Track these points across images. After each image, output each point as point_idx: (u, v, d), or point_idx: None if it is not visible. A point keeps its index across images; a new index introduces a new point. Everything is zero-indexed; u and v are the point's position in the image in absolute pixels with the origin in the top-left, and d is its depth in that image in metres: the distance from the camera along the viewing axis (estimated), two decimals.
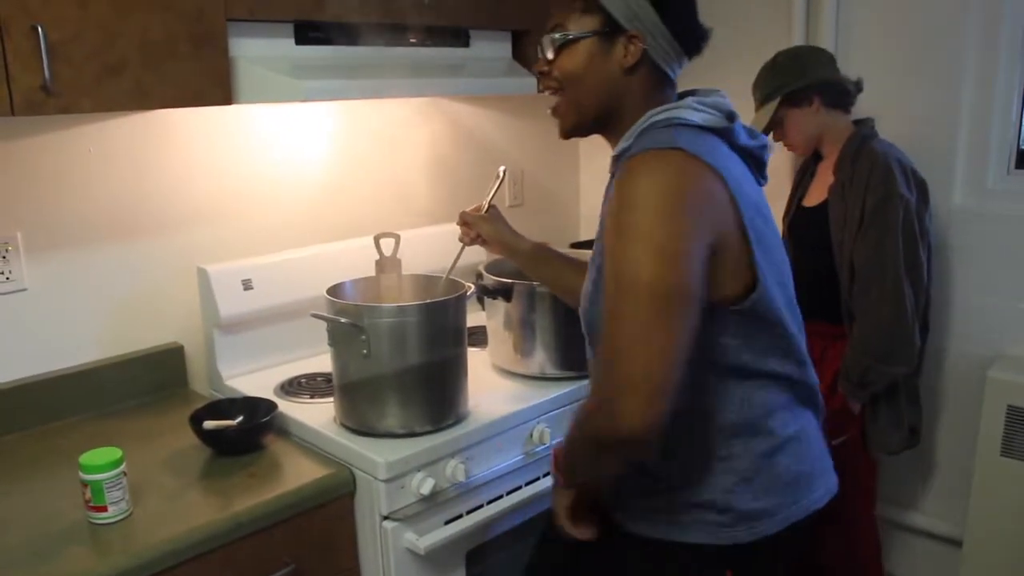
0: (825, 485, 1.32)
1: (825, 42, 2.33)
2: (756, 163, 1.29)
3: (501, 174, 1.80)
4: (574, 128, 1.30)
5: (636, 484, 1.30)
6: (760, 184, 1.29)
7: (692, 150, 1.13)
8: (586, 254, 2.05)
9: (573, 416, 1.21)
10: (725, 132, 1.21)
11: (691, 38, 1.23)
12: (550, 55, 1.26)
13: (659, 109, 1.22)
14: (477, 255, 2.15)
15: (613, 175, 1.26)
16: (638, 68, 1.22)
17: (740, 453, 1.23)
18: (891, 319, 1.95)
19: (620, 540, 1.32)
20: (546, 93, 1.31)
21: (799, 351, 1.27)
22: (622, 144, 1.23)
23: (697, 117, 1.19)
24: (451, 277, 1.78)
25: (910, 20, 2.24)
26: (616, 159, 1.25)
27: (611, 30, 1.21)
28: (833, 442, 1.97)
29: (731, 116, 1.22)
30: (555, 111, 1.31)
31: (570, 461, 1.27)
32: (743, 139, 1.24)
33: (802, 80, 2.03)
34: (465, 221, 1.73)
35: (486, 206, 1.73)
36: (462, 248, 1.75)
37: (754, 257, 1.16)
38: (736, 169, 1.19)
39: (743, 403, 1.22)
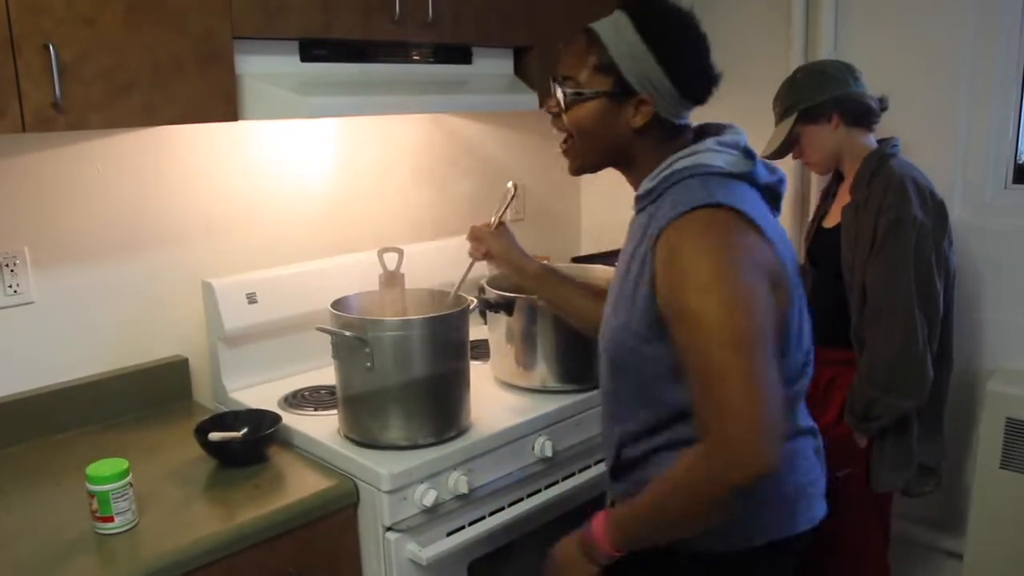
0: (817, 507, 1.33)
1: (823, 57, 2.35)
2: (772, 196, 1.32)
3: (512, 190, 1.79)
4: (581, 170, 1.35)
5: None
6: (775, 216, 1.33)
7: (731, 204, 1.18)
8: (592, 275, 2.07)
9: (665, 479, 1.20)
10: (747, 175, 1.25)
11: (700, 90, 1.26)
12: (561, 102, 1.30)
13: (682, 153, 1.25)
14: (481, 269, 2.17)
15: (638, 211, 1.31)
16: (647, 127, 1.26)
17: None
18: (900, 350, 1.86)
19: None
20: (554, 132, 1.35)
21: (797, 370, 1.29)
22: (647, 184, 1.27)
23: (721, 161, 1.22)
24: (459, 292, 1.79)
25: (908, 35, 2.26)
26: (640, 198, 1.29)
27: (622, 91, 1.24)
28: (836, 475, 1.79)
29: (749, 154, 1.26)
30: (565, 152, 1.35)
31: (650, 524, 1.23)
32: (763, 178, 1.28)
33: (820, 96, 1.98)
34: (476, 236, 1.74)
35: (496, 222, 1.74)
36: (471, 263, 1.76)
37: (789, 296, 1.21)
38: (763, 211, 1.24)
39: None
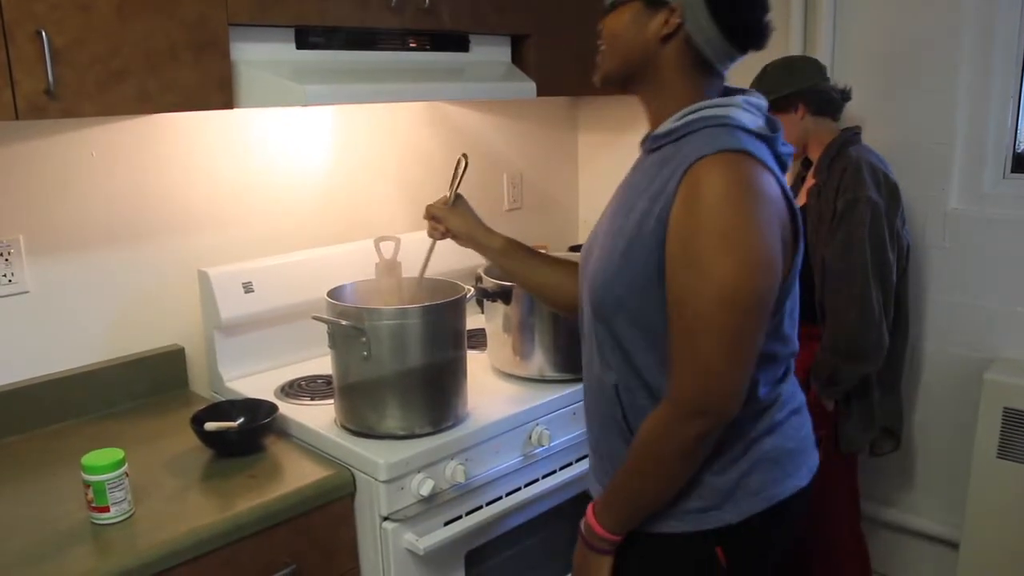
0: (807, 463, 1.36)
1: (822, 49, 2.35)
2: (782, 166, 1.32)
3: (463, 160, 1.68)
4: (605, 78, 1.34)
5: None
6: None
7: (758, 155, 1.18)
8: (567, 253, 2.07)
9: (638, 439, 1.24)
10: (771, 140, 1.25)
11: (734, 26, 1.23)
12: (605, 13, 1.32)
13: (710, 103, 1.24)
14: (476, 258, 2.16)
15: (650, 151, 1.30)
16: (671, 40, 1.24)
17: (729, 435, 1.25)
18: (857, 320, 1.99)
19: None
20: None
21: (791, 331, 1.31)
22: (669, 124, 1.25)
23: (748, 120, 1.22)
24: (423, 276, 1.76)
25: (906, 27, 2.26)
26: (657, 137, 1.28)
27: (654, 1, 1.24)
28: None
29: (771, 122, 1.27)
30: (599, 59, 1.35)
31: (632, 493, 1.27)
32: (781, 146, 1.28)
33: (787, 88, 2.09)
34: (432, 215, 1.65)
35: (452, 197, 1.65)
36: (432, 244, 1.68)
37: (797, 254, 1.23)
38: (779, 171, 1.25)
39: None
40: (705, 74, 1.27)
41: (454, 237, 1.65)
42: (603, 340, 1.30)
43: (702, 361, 1.15)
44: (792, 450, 1.31)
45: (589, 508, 1.32)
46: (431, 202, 1.67)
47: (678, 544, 1.28)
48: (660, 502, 1.26)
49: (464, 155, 1.70)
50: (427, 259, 1.71)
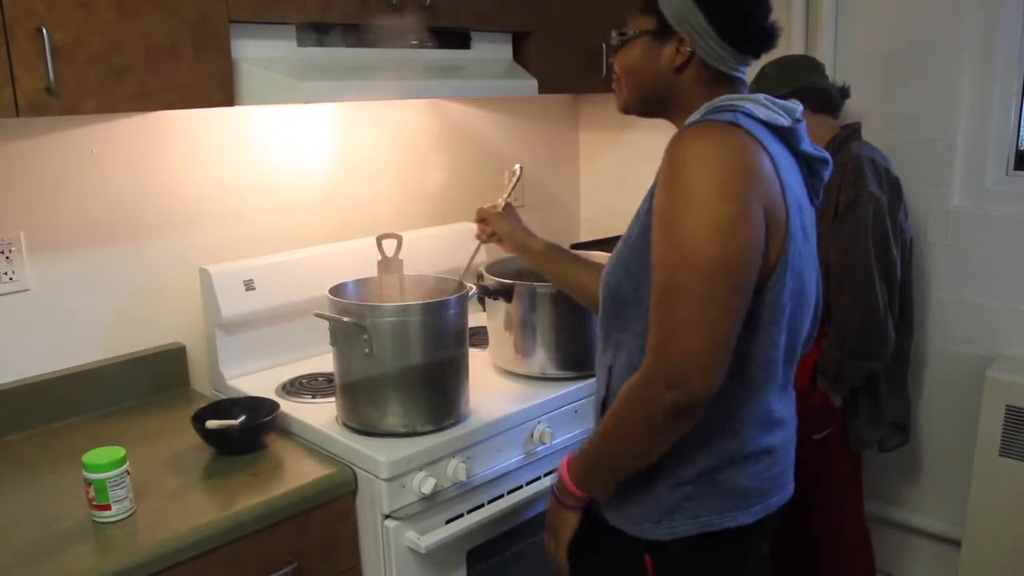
0: (761, 504, 1.30)
1: (824, 46, 2.34)
2: (813, 175, 1.31)
3: (518, 171, 1.83)
4: (625, 108, 1.36)
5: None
6: (812, 199, 1.31)
7: (753, 133, 1.16)
8: (598, 255, 2.07)
9: (616, 404, 1.22)
10: (787, 132, 1.23)
11: (743, 39, 1.24)
12: (615, 50, 1.33)
13: (730, 96, 1.24)
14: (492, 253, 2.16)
15: None
16: (687, 67, 1.25)
17: (689, 457, 1.24)
18: (863, 315, 1.99)
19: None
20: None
21: (789, 351, 1.27)
22: (692, 118, 1.26)
23: (761, 112, 1.21)
24: (466, 275, 1.79)
25: (908, 26, 2.25)
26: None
27: (663, 30, 1.25)
28: (815, 436, 2.09)
29: (799, 123, 1.25)
30: (616, 89, 1.36)
31: (600, 454, 1.27)
32: (804, 144, 1.27)
33: (786, 87, 2.08)
34: (482, 218, 1.75)
35: (502, 204, 1.76)
36: (479, 245, 1.78)
37: (788, 243, 1.18)
38: (786, 163, 1.22)
39: (719, 400, 1.18)
40: (725, 83, 1.27)
41: (499, 241, 1.76)
42: (610, 324, 1.32)
43: (669, 329, 1.12)
44: (747, 489, 1.27)
45: (563, 462, 1.34)
46: (481, 205, 1.78)
47: (620, 538, 1.30)
48: (626, 469, 1.26)
49: (520, 166, 1.84)
50: (472, 259, 1.80)
